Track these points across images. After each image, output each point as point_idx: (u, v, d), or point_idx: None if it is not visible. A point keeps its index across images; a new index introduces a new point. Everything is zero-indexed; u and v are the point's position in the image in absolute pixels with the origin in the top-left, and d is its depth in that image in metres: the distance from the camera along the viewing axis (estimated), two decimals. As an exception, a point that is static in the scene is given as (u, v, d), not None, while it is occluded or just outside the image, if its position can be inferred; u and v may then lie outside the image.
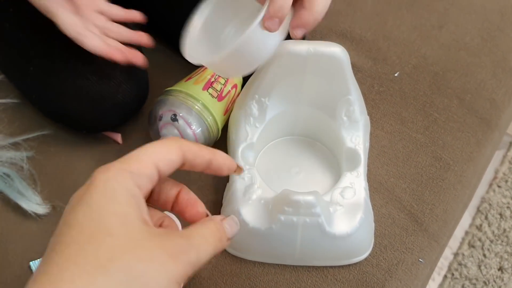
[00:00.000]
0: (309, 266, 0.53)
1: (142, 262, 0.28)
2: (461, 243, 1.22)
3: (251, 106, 0.54)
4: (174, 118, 0.55)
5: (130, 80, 0.58)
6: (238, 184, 0.52)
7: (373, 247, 0.54)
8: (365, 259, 0.54)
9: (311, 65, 0.52)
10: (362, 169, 0.53)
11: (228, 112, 0.60)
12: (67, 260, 0.28)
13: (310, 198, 0.46)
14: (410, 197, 0.58)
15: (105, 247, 0.28)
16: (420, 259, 0.54)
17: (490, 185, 1.30)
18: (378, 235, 0.55)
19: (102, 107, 0.57)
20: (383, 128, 0.63)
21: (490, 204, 1.26)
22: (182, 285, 0.30)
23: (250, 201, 0.50)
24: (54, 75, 0.57)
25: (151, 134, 0.59)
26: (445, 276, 1.18)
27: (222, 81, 0.59)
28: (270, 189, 0.51)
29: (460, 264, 1.18)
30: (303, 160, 0.59)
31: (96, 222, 0.29)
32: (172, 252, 0.29)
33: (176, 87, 0.58)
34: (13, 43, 0.60)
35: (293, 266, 0.53)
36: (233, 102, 0.60)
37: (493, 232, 1.23)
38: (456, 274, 1.19)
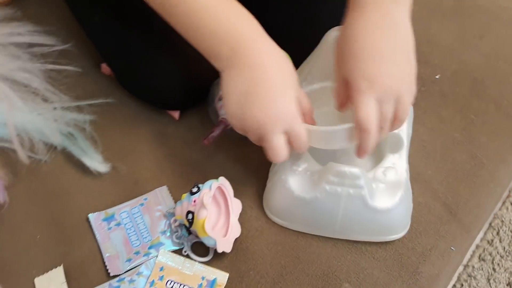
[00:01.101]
0: (349, 242, 0.56)
1: None
2: (472, 256, 1.25)
3: (302, 86, 0.58)
4: None
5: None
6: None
7: (409, 232, 0.57)
8: (401, 241, 0.57)
9: None
10: (404, 153, 0.56)
11: None
12: None
13: (355, 169, 0.50)
14: (445, 189, 0.61)
15: None
16: (452, 247, 0.58)
17: (504, 202, 1.33)
18: (415, 221, 0.58)
19: (186, 89, 0.62)
20: (423, 124, 0.66)
21: (502, 221, 1.29)
22: None
23: (297, 171, 0.54)
24: (152, 52, 0.62)
25: (209, 113, 0.63)
26: (454, 286, 1.20)
27: None
28: (316, 163, 0.55)
29: (470, 275, 1.20)
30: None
31: None
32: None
33: None
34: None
35: (334, 241, 0.56)
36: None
37: (504, 248, 1.25)
38: (466, 285, 1.21)
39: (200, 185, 0.53)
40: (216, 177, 0.55)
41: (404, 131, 0.58)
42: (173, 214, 0.55)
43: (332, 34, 0.56)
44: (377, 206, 0.52)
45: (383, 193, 0.53)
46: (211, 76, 0.60)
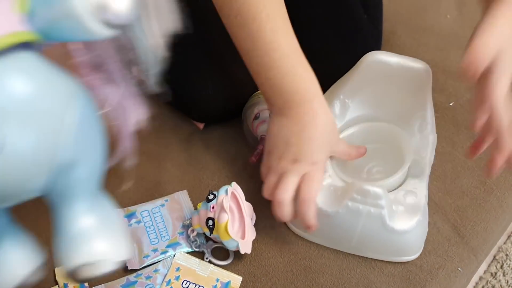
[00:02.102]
0: (359, 257, 0.58)
1: None
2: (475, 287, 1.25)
3: (334, 104, 0.61)
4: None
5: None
6: None
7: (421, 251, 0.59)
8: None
9: (397, 76, 0.58)
10: (425, 178, 0.59)
11: None
12: None
13: (378, 190, 0.52)
14: (454, 212, 0.63)
15: None
16: (459, 268, 0.59)
17: (509, 236, 1.33)
18: (424, 240, 0.60)
19: (226, 108, 0.67)
20: (436, 148, 0.68)
21: (506, 255, 1.30)
22: None
23: (321, 185, 0.56)
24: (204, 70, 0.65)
25: (244, 130, 0.67)
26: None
27: None
28: (340, 179, 0.57)
29: (473, 306, 1.21)
30: (370, 162, 0.64)
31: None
32: None
33: None
34: None
35: (346, 254, 0.58)
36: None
37: (507, 282, 1.26)
38: (468, 315, 1.22)
39: (215, 192, 0.55)
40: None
41: (427, 157, 0.60)
42: (189, 225, 0.57)
43: (369, 58, 0.59)
44: (395, 227, 0.54)
45: (402, 215, 0.55)
46: (247, 98, 0.64)
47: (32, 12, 0.30)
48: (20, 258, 0.36)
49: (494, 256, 1.31)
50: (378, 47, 0.74)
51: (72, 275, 0.33)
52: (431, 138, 0.62)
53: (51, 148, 0.30)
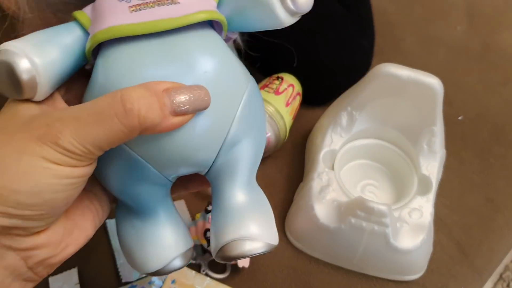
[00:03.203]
0: (360, 274, 0.57)
1: (3, 146, 0.27)
2: (480, 305, 1.24)
3: (341, 116, 0.59)
4: None
5: None
6: (315, 183, 0.56)
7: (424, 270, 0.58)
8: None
9: (407, 90, 0.56)
10: (432, 196, 0.57)
11: (294, 115, 0.66)
12: None
13: (383, 207, 0.50)
14: (460, 230, 0.62)
15: None
16: (462, 287, 0.58)
17: (515, 255, 1.32)
18: (428, 259, 0.58)
19: None
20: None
21: (513, 273, 1.28)
22: (63, 166, 0.27)
23: (324, 199, 0.55)
24: None
25: None
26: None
27: (277, 81, 0.65)
28: (344, 194, 0.55)
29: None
30: (376, 176, 0.63)
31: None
32: (37, 132, 0.27)
33: None
34: None
35: (346, 271, 0.57)
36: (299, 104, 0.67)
37: (512, 300, 1.24)
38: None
39: None
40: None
41: (435, 174, 0.59)
42: None
43: (380, 70, 0.57)
44: (398, 246, 0.53)
45: (406, 233, 0.54)
46: None
47: (221, 1, 0.33)
48: (174, 236, 0.35)
49: (501, 275, 1.29)
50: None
51: (224, 252, 0.32)
52: (440, 154, 0.60)
53: (226, 124, 0.31)
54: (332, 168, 0.59)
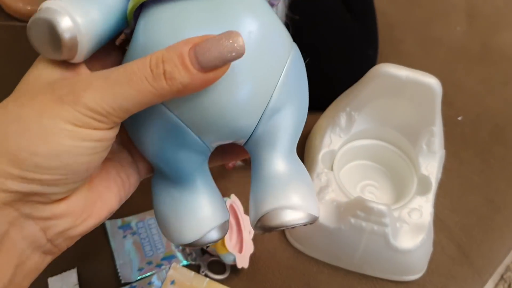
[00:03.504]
0: (360, 275, 0.56)
1: (16, 109, 0.26)
2: (481, 307, 1.23)
3: (340, 116, 0.59)
4: None
5: None
6: (314, 183, 0.56)
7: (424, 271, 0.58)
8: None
9: (406, 90, 0.56)
10: (431, 196, 0.57)
11: None
12: None
13: (383, 207, 0.50)
14: (460, 230, 0.62)
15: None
16: (462, 288, 0.58)
17: (517, 254, 1.31)
18: (428, 259, 0.58)
19: None
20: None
21: (514, 274, 1.27)
22: (84, 128, 0.26)
23: (323, 200, 0.55)
24: None
25: None
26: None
27: None
28: (344, 194, 0.55)
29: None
30: (376, 176, 0.63)
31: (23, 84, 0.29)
32: (60, 94, 0.26)
33: None
34: None
35: (345, 271, 0.57)
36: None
37: (514, 301, 1.24)
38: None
39: None
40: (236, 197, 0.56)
41: (434, 174, 0.59)
42: None
43: (378, 70, 0.57)
44: (398, 246, 0.52)
45: (406, 233, 0.54)
46: None
47: None
48: (211, 207, 0.33)
49: (502, 276, 1.29)
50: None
51: (263, 221, 0.31)
52: (439, 154, 0.60)
53: (269, 88, 0.30)
54: (331, 169, 0.59)
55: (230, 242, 0.54)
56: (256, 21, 0.30)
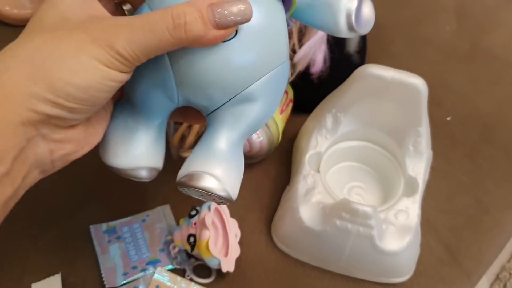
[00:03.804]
0: (347, 277, 0.56)
1: (56, 42, 0.30)
2: (477, 307, 1.23)
3: (326, 118, 0.59)
4: None
5: None
6: (300, 185, 0.56)
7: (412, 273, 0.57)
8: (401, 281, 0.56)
9: (391, 91, 0.56)
10: (418, 197, 0.56)
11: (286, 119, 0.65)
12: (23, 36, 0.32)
13: (368, 209, 0.50)
14: (448, 232, 0.61)
15: (30, 35, 0.32)
16: (451, 290, 0.57)
17: (512, 255, 1.31)
18: (416, 261, 0.58)
19: None
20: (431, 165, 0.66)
21: (510, 274, 1.27)
22: (111, 69, 0.31)
23: (309, 202, 0.54)
24: None
25: None
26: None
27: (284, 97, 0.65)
28: (330, 196, 0.55)
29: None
30: (363, 178, 0.63)
31: (38, 20, 0.33)
32: (93, 36, 0.30)
33: None
34: None
35: (332, 274, 0.56)
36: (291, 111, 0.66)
37: (510, 301, 1.23)
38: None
39: (198, 208, 0.53)
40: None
41: (421, 175, 0.58)
42: (171, 241, 0.55)
43: (364, 71, 0.57)
44: (384, 248, 0.52)
45: (392, 235, 0.53)
46: None
47: None
48: (152, 150, 0.39)
49: (497, 275, 1.29)
50: None
51: (186, 178, 0.36)
52: (426, 155, 0.60)
53: (253, 77, 0.35)
54: (318, 171, 0.58)
55: (216, 246, 0.54)
56: (271, 16, 0.35)
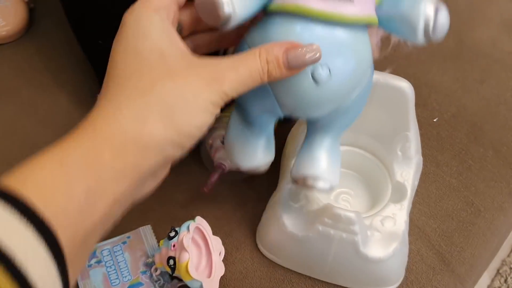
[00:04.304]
0: (333, 285, 0.55)
1: (178, 88, 0.34)
2: (479, 303, 1.21)
3: None
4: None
5: None
6: (283, 192, 0.55)
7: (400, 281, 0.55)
8: (391, 291, 0.55)
9: (377, 95, 0.54)
10: (406, 204, 0.55)
11: None
12: (113, 93, 0.35)
13: (351, 214, 0.48)
14: (439, 237, 0.59)
15: (146, 77, 0.35)
16: (444, 298, 0.56)
17: (512, 249, 1.29)
18: (406, 269, 0.56)
19: None
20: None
21: (510, 268, 1.25)
22: (218, 108, 0.36)
23: (292, 208, 0.53)
24: None
25: (203, 159, 0.63)
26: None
27: None
28: (315, 202, 0.54)
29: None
30: (350, 184, 0.61)
31: (135, 60, 0.35)
32: (206, 79, 0.35)
33: (222, 113, 0.61)
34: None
35: (316, 283, 0.55)
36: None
37: (511, 296, 1.21)
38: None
39: (177, 229, 0.52)
40: (202, 217, 0.54)
41: (410, 181, 0.57)
42: (153, 263, 0.54)
43: None
44: (369, 255, 0.50)
45: (378, 242, 0.52)
46: None
47: (381, 5, 0.41)
48: (266, 150, 0.49)
49: (498, 270, 1.27)
50: None
51: (298, 181, 0.47)
52: (415, 160, 0.58)
53: (346, 100, 0.42)
54: None
55: (199, 266, 0.52)
56: (355, 57, 0.40)
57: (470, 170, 0.66)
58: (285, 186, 0.55)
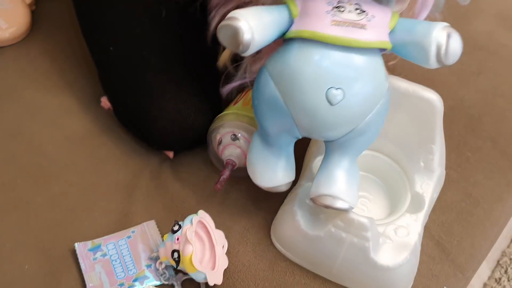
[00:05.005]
0: (337, 286, 0.55)
1: None
2: (480, 295, 1.22)
3: None
4: (235, 138, 0.59)
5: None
6: (301, 189, 0.55)
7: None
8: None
9: (405, 105, 0.55)
10: (422, 216, 0.55)
11: None
12: None
13: (364, 220, 0.49)
14: (439, 228, 0.60)
15: None
16: (445, 286, 0.56)
17: (512, 239, 1.30)
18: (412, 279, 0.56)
19: (187, 133, 0.62)
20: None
21: (510, 259, 1.26)
22: None
23: (308, 206, 0.54)
24: (163, 95, 0.61)
25: (210, 157, 0.63)
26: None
27: None
28: None
29: (477, 314, 1.17)
30: (370, 188, 0.61)
31: None
32: None
33: (226, 111, 0.62)
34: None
35: (322, 282, 0.55)
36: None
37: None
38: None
39: (180, 223, 0.52)
40: (206, 212, 0.55)
41: (429, 194, 0.57)
42: (157, 257, 0.55)
43: None
44: (378, 262, 0.51)
45: (388, 251, 0.52)
46: (208, 125, 0.62)
47: (394, 31, 0.44)
48: (285, 171, 0.52)
49: (498, 261, 1.27)
50: None
51: (318, 200, 0.48)
52: (437, 173, 0.58)
53: (360, 120, 0.45)
54: None
55: (203, 259, 0.53)
56: (372, 81, 0.44)
57: (469, 162, 0.66)
58: (305, 183, 0.56)
